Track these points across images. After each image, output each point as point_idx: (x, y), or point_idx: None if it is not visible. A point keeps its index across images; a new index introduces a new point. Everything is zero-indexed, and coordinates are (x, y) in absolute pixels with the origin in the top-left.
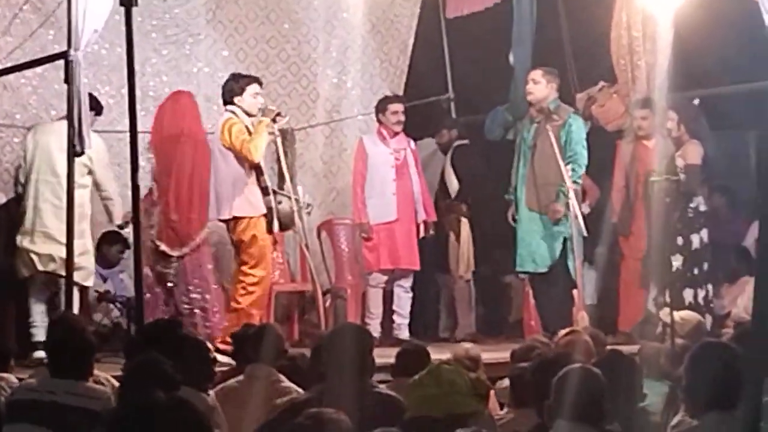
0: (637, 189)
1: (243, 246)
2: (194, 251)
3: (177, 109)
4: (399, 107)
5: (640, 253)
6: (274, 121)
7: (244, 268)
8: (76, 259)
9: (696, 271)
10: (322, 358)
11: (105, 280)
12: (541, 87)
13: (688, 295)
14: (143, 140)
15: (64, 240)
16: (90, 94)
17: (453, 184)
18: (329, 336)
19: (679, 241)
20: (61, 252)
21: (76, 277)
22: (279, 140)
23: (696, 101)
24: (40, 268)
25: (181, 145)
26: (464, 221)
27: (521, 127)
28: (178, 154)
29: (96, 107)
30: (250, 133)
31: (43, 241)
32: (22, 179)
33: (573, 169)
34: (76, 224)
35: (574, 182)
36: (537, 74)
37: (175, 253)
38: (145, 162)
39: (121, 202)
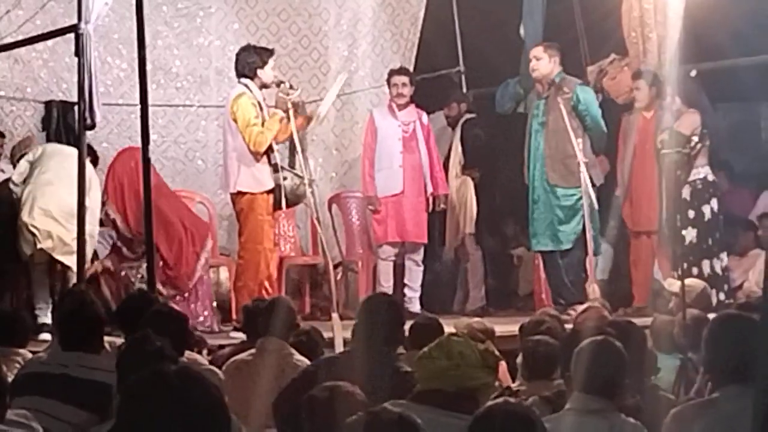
0: (634, 161)
1: (241, 220)
2: (191, 293)
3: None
4: (399, 80)
5: (637, 226)
6: (286, 96)
7: (242, 242)
8: (69, 242)
9: (710, 242)
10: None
11: None
12: (544, 63)
13: (705, 267)
14: (154, 114)
15: (61, 219)
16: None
17: (459, 159)
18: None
19: (691, 214)
20: (58, 231)
21: (68, 260)
22: (291, 113)
23: (693, 73)
24: (39, 245)
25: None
26: (468, 183)
27: (531, 103)
28: (159, 204)
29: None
30: (261, 108)
31: (42, 217)
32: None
33: (592, 138)
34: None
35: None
36: (538, 51)
37: (171, 293)
38: (157, 135)
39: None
